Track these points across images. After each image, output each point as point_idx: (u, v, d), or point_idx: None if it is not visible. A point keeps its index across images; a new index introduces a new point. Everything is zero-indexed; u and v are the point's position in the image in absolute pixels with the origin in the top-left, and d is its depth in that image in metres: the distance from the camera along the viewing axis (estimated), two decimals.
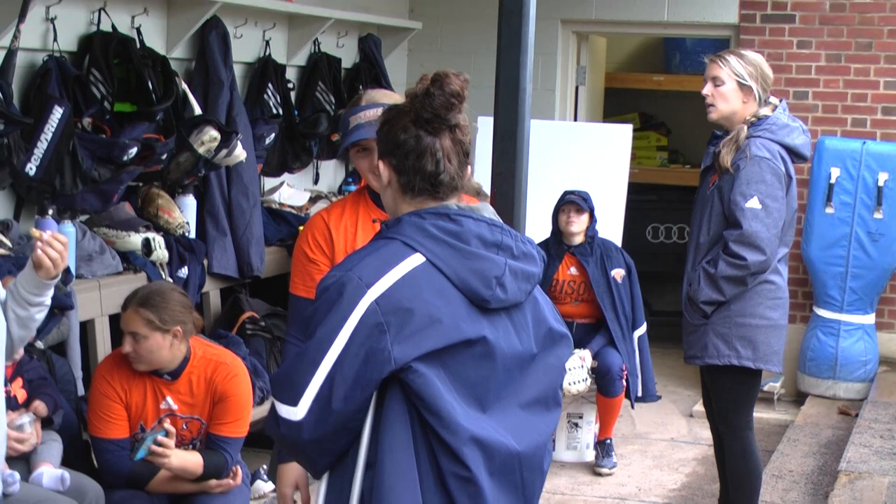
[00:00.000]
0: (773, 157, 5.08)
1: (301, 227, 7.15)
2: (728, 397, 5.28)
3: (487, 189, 3.84)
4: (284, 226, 7.25)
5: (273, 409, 2.62)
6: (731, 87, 5.17)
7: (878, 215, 8.16)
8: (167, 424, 4.74)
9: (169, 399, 4.77)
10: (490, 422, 2.57)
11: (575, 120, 9.17)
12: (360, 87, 8.06)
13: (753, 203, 5.04)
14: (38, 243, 3.47)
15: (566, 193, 7.09)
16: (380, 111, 2.95)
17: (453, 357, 2.54)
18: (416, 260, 2.55)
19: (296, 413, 2.54)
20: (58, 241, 3.49)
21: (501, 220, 2.66)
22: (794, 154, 5.19)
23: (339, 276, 2.55)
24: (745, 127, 5.14)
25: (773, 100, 5.26)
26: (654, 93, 11.00)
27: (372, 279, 2.52)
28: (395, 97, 3.54)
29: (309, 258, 3.71)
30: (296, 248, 3.81)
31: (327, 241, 3.69)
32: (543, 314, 2.73)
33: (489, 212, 2.65)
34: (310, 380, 2.52)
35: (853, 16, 8.43)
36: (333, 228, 3.69)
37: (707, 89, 5.21)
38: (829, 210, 8.22)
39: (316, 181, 8.07)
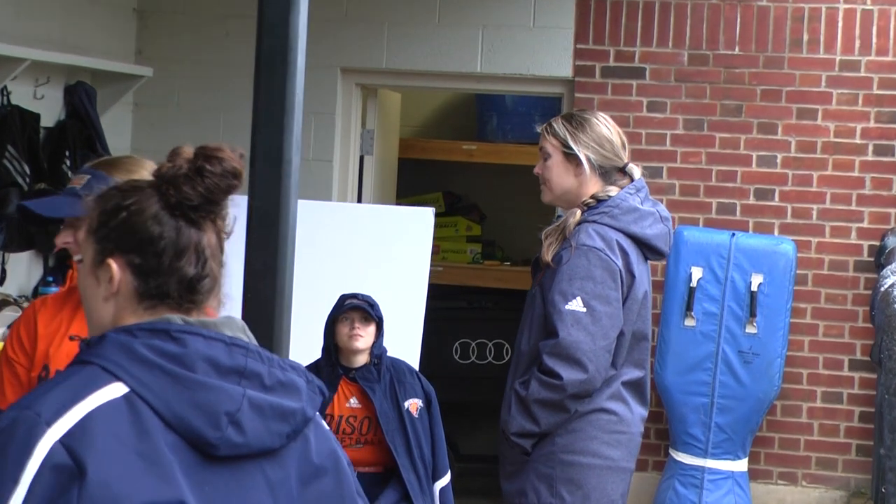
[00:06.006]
0: (609, 247, 4.88)
1: None
2: None
3: None
4: None
5: None
6: (556, 160, 5.04)
7: (751, 329, 7.98)
8: None
9: None
10: None
11: (359, 201, 8.96)
12: (67, 152, 7.85)
13: (576, 305, 4.87)
14: None
15: (345, 298, 6.50)
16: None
17: None
18: (114, 391, 2.30)
19: None
20: None
21: (251, 339, 2.46)
22: (646, 247, 4.97)
23: (13, 416, 2.27)
24: (579, 211, 4.96)
25: (634, 170, 5.00)
26: (464, 166, 10.46)
27: (55, 415, 2.25)
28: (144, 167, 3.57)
29: (8, 358, 3.68)
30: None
31: (30, 337, 3.65)
32: (325, 477, 2.50)
33: (235, 328, 2.43)
34: None
35: (718, 70, 8.13)
36: (41, 324, 3.65)
37: (538, 166, 5.11)
38: (690, 322, 8.01)
39: (2, 281, 7.66)
